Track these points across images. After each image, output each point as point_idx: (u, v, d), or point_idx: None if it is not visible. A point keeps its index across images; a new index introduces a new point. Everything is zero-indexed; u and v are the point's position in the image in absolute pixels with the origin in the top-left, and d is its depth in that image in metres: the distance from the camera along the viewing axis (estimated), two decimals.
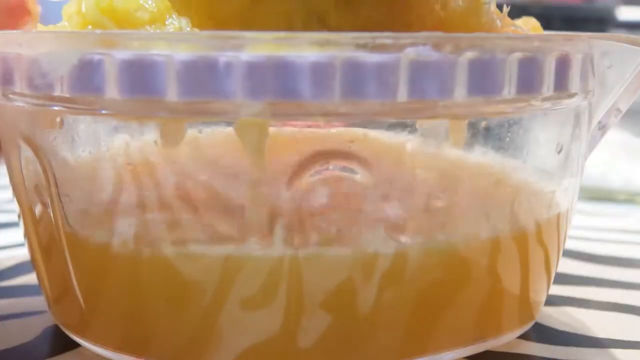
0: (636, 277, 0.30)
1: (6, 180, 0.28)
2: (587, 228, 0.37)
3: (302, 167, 0.18)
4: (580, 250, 0.33)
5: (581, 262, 0.32)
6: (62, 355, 0.22)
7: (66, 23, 0.19)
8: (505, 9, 0.22)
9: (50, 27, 0.20)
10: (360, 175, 0.18)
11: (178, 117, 0.18)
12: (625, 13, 1.53)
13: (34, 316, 0.25)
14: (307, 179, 0.18)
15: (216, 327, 0.19)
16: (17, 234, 0.34)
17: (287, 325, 0.19)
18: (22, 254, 0.32)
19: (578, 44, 0.20)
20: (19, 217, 0.23)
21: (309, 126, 0.19)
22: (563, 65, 0.19)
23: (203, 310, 0.19)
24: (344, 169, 0.18)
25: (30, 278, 0.29)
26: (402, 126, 0.19)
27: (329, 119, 0.18)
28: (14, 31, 0.21)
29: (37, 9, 0.24)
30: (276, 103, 0.17)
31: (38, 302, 0.26)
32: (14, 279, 0.29)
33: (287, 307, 0.19)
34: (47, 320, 0.25)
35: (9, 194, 0.30)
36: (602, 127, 0.23)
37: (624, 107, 0.23)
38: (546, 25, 0.26)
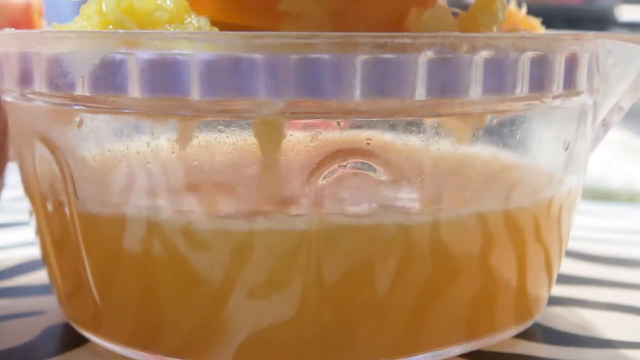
0: (636, 277, 0.30)
1: (7, 180, 0.28)
2: (587, 228, 0.37)
3: (322, 164, 0.18)
4: (581, 250, 0.33)
5: (581, 262, 0.32)
6: (71, 352, 0.23)
7: (84, 22, 0.19)
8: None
9: (69, 27, 0.20)
10: (377, 170, 0.19)
11: (200, 115, 0.18)
12: (625, 13, 1.54)
13: (34, 316, 0.25)
14: (327, 174, 0.18)
15: (226, 314, 0.20)
16: (17, 234, 0.35)
17: (296, 312, 0.20)
18: (22, 254, 0.32)
19: (585, 43, 0.20)
20: (30, 214, 0.23)
21: (314, 125, 0.19)
22: (572, 64, 0.20)
23: (214, 296, 0.20)
24: (362, 165, 0.19)
25: (31, 278, 0.29)
26: (414, 125, 0.19)
27: (349, 117, 0.18)
28: (34, 31, 0.22)
29: (41, 22, 0.24)
30: (297, 102, 0.17)
31: (38, 302, 0.26)
32: (14, 279, 0.29)
33: (299, 291, 0.19)
34: (47, 320, 0.25)
35: (9, 194, 0.30)
36: (605, 125, 0.24)
37: (626, 105, 0.23)
38: (546, 25, 0.27)
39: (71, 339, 0.23)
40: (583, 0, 1.54)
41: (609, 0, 1.55)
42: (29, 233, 0.34)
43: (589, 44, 0.21)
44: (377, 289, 0.20)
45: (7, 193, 0.28)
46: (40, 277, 0.29)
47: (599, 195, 0.43)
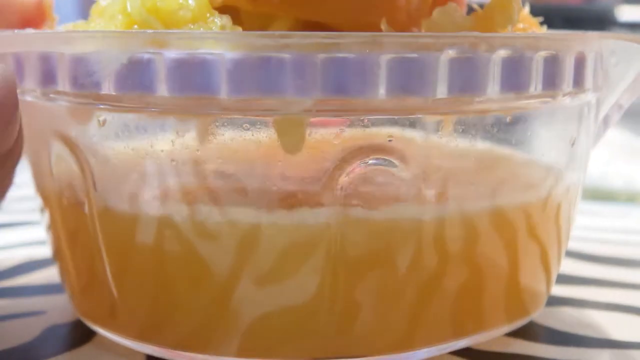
0: (636, 277, 0.30)
1: None
2: (587, 228, 0.37)
3: (344, 160, 0.19)
4: (580, 250, 0.33)
5: (581, 262, 0.32)
6: (71, 352, 0.23)
7: (101, 21, 0.19)
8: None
9: (86, 26, 0.20)
10: (398, 166, 0.19)
11: (228, 114, 0.18)
12: (625, 13, 1.55)
13: (34, 316, 0.25)
14: (349, 171, 0.19)
15: (231, 310, 0.20)
16: (17, 234, 0.35)
17: (308, 303, 0.20)
18: (22, 254, 0.32)
19: (591, 43, 0.21)
20: (42, 211, 0.23)
21: (332, 123, 0.19)
22: (580, 63, 0.21)
23: (229, 289, 0.20)
24: (383, 161, 0.19)
25: (31, 278, 0.29)
26: (434, 122, 0.20)
27: (373, 114, 0.18)
28: (58, 31, 0.22)
29: (54, 17, 0.24)
30: (324, 100, 0.18)
31: (38, 302, 0.26)
32: (14, 279, 0.29)
33: (315, 284, 0.20)
34: (47, 320, 0.25)
35: (9, 194, 0.30)
36: (606, 122, 0.24)
37: (626, 104, 0.24)
38: (547, 25, 0.27)
39: (72, 339, 0.24)
40: (583, 0, 1.55)
41: (609, 0, 1.56)
42: (29, 233, 0.34)
43: (594, 44, 0.21)
44: (389, 283, 0.20)
45: (7, 193, 0.28)
46: (40, 277, 0.29)
47: (599, 195, 0.43)
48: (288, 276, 0.20)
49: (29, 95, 0.20)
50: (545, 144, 0.22)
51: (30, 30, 0.20)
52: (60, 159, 0.21)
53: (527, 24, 0.25)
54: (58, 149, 0.21)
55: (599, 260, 0.32)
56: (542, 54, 0.19)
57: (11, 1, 0.22)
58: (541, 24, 0.25)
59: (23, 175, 0.24)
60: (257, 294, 0.20)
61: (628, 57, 0.22)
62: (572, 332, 0.24)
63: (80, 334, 0.24)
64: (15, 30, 0.20)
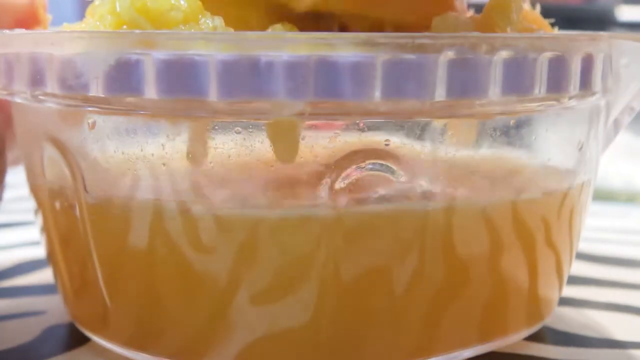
0: (636, 277, 0.30)
1: (7, 180, 0.28)
2: (587, 228, 0.36)
3: (339, 165, 0.18)
4: (581, 250, 0.33)
5: (581, 262, 0.32)
6: (71, 352, 0.22)
7: (97, 22, 0.19)
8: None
9: (80, 27, 0.19)
10: (395, 171, 0.19)
11: (218, 117, 0.18)
12: (625, 13, 1.54)
13: (34, 316, 0.25)
14: (345, 176, 0.18)
15: (226, 319, 0.20)
16: (17, 234, 0.35)
17: (305, 315, 0.20)
18: (22, 254, 0.32)
19: (600, 44, 0.20)
20: (35, 213, 0.23)
21: (325, 127, 0.19)
22: (587, 65, 0.20)
23: (225, 298, 0.19)
24: (380, 166, 0.19)
25: (31, 278, 0.29)
26: (432, 126, 0.19)
27: (368, 118, 0.18)
28: (46, 31, 0.21)
29: (47, 17, 0.23)
30: (317, 102, 0.17)
31: (38, 302, 0.26)
32: (14, 279, 0.29)
33: (311, 294, 0.19)
34: (47, 320, 0.25)
35: (9, 194, 0.30)
36: (616, 126, 0.24)
37: (638, 106, 0.23)
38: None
39: (71, 339, 0.23)
40: (583, 0, 1.53)
41: (609, 0, 1.55)
42: (29, 233, 0.34)
43: (603, 45, 0.21)
44: (392, 290, 0.20)
45: (6, 193, 0.28)
46: (40, 277, 0.29)
47: (599, 195, 0.43)
48: (287, 287, 0.19)
49: (19, 97, 0.20)
50: (551, 148, 0.22)
51: (18, 31, 0.19)
52: (52, 161, 0.21)
53: (537, 25, 0.24)
54: (49, 151, 0.20)
55: (599, 260, 0.32)
56: (547, 55, 0.18)
57: (2, 2, 0.22)
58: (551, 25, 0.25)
59: (22, 175, 0.24)
60: (253, 304, 0.19)
61: (639, 58, 0.22)
62: (572, 332, 0.24)
63: (80, 334, 0.23)
64: (5, 31, 0.20)
